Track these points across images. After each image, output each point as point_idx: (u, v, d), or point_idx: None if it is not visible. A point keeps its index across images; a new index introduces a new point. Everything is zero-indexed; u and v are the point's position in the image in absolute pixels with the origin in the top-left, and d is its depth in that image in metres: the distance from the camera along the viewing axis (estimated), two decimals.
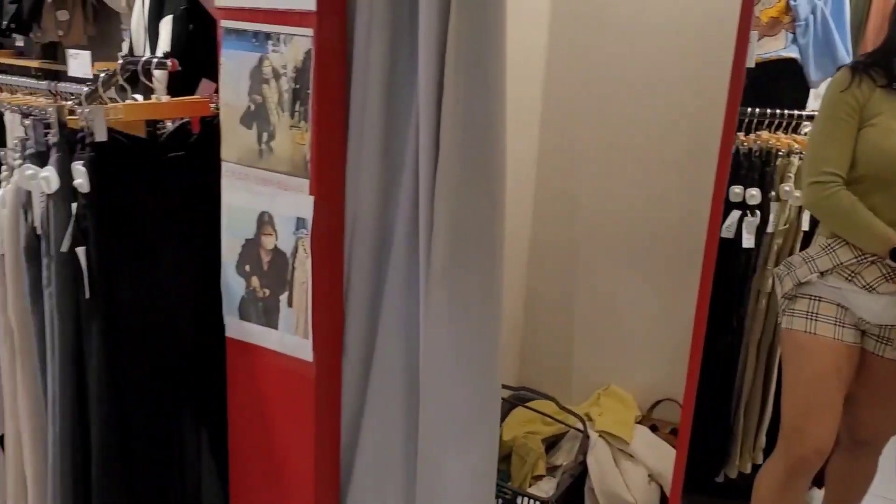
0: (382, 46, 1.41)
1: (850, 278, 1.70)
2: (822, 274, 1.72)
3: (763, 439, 2.27)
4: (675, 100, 2.31)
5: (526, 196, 2.57)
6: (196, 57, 1.83)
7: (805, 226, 2.13)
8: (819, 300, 1.73)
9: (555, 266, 2.61)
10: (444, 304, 1.45)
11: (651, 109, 2.35)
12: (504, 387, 2.41)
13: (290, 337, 1.54)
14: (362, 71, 1.44)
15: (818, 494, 2.24)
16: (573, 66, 2.43)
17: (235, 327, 1.62)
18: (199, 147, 1.62)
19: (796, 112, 2.22)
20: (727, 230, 2.14)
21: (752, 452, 2.27)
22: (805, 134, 2.20)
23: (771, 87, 2.58)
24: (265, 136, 1.49)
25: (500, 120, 1.41)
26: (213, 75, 1.66)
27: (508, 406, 2.40)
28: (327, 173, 1.47)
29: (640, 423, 2.42)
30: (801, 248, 2.06)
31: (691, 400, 1.80)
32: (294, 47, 1.41)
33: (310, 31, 1.39)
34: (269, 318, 1.57)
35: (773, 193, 2.13)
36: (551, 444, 2.31)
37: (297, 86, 1.42)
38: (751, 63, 1.67)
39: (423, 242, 1.45)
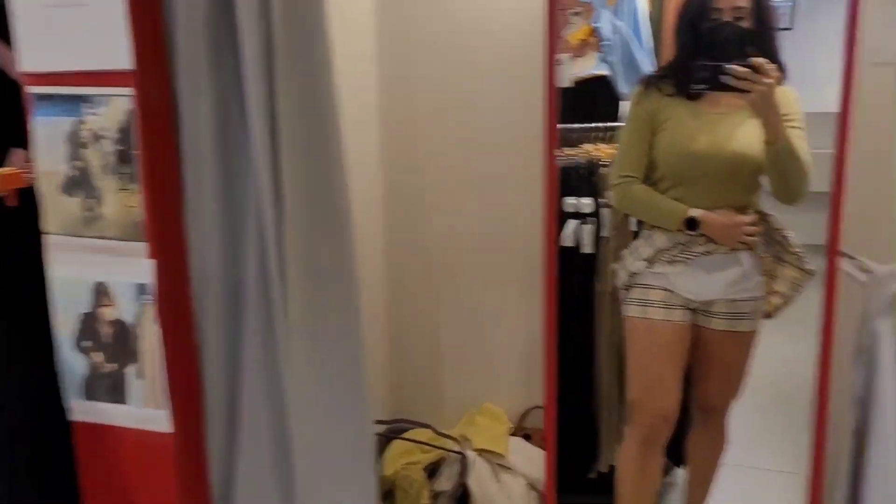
0: (210, 101, 1.38)
1: (671, 261, 1.88)
2: (648, 263, 1.90)
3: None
4: (502, 120, 2.44)
5: (375, 231, 2.60)
6: (2, 126, 1.70)
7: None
8: (649, 288, 1.91)
9: (414, 293, 2.65)
10: (303, 351, 1.43)
11: (483, 131, 2.47)
12: (378, 422, 2.41)
13: (143, 410, 1.46)
14: (192, 125, 1.40)
15: (681, 472, 2.41)
16: (406, 97, 2.51)
17: (81, 409, 1.51)
18: (19, 220, 1.51)
19: (611, 124, 2.42)
20: (567, 239, 2.28)
21: (618, 444, 2.40)
22: None
23: (590, 103, 2.79)
24: (91, 202, 1.40)
25: (340, 160, 1.43)
26: (24, 143, 1.55)
27: (385, 440, 2.39)
28: (165, 234, 1.41)
29: (514, 434, 2.49)
30: None
31: (553, 403, 1.90)
32: (113, 108, 1.35)
33: (129, 91, 1.33)
34: (118, 393, 1.47)
35: (601, 200, 2.29)
36: (432, 471, 2.33)
37: (123, 147, 1.36)
38: (564, 83, 1.81)
39: (276, 291, 1.43)
